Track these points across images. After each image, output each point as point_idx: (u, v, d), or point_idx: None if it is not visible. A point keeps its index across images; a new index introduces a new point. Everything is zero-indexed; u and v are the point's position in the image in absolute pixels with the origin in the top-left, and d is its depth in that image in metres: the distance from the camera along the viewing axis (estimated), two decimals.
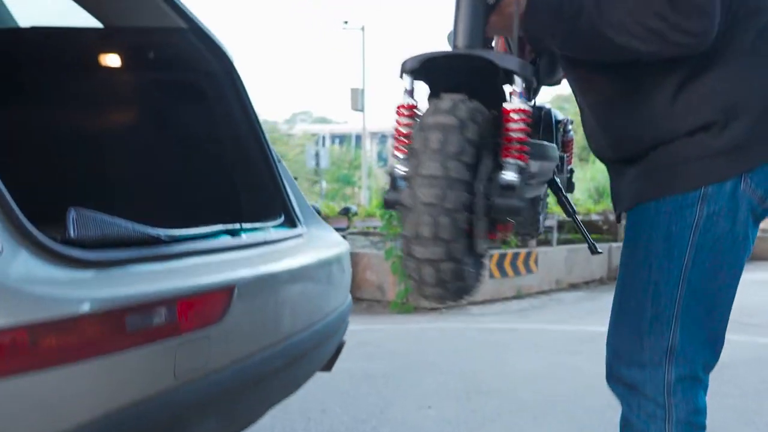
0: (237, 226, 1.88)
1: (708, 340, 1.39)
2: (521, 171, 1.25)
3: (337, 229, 7.71)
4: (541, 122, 1.92)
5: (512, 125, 1.24)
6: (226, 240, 1.68)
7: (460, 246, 1.16)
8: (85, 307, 1.07)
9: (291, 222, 2.29)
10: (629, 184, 1.44)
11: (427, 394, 3.74)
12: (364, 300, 7.18)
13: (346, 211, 7.46)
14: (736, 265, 1.38)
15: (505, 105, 1.25)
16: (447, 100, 1.21)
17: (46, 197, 2.47)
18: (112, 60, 2.42)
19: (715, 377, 1.46)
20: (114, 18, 2.40)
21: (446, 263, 1.16)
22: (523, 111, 1.25)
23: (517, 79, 1.24)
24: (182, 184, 2.43)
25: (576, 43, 1.33)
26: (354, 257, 7.19)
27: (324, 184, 26.77)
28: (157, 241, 1.38)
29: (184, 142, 2.44)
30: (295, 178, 2.68)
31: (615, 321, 1.44)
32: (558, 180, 1.80)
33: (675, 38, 1.23)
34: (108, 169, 2.44)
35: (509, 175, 1.23)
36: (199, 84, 2.34)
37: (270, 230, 2.06)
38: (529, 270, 8.10)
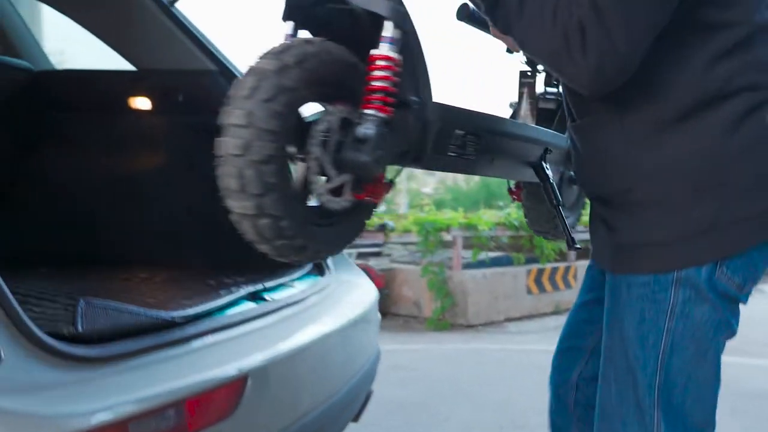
0: (260, 286, 1.84)
1: (698, 427, 1.29)
2: (383, 124, 1.16)
3: (374, 245, 7.64)
4: (560, 110, 1.83)
5: (376, 73, 1.15)
6: (245, 309, 1.64)
7: (270, 201, 1.08)
8: (86, 423, 1.02)
9: (319, 268, 2.24)
10: (602, 247, 1.36)
11: (461, 427, 3.67)
12: (401, 316, 7.12)
13: (382, 227, 7.46)
14: (721, 349, 1.29)
15: (372, 51, 1.16)
16: (283, 43, 1.14)
17: (74, 239, 2.48)
18: (143, 102, 2.40)
19: (753, 409, 1.36)
20: (146, 61, 2.40)
21: (262, 218, 1.09)
22: (389, 58, 1.15)
23: (387, 24, 1.15)
24: (210, 226, 2.40)
25: (495, 20, 1.25)
26: (391, 273, 7.16)
27: None
28: (170, 325, 1.34)
29: (213, 183, 2.41)
30: None
31: (600, 407, 1.35)
32: (546, 167, 1.71)
33: (565, 67, 1.15)
34: (135, 211, 2.42)
35: (365, 128, 1.15)
36: None
37: (295, 285, 2.01)
38: (567, 285, 7.96)
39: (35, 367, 1.05)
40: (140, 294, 1.84)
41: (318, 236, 1.19)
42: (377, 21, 1.16)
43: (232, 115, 1.08)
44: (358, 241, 6.75)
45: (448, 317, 6.81)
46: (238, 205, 1.09)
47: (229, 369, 1.31)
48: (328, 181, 1.16)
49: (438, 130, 1.31)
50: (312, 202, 1.16)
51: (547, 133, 1.72)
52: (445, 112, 1.32)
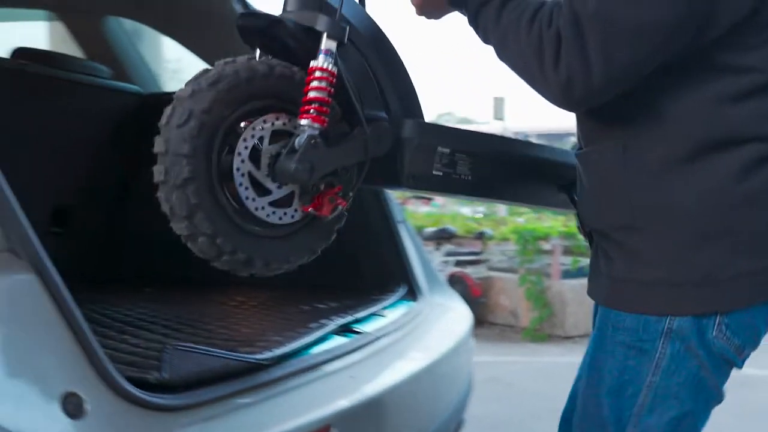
0: (350, 317, 1.81)
1: None
2: (318, 134, 1.18)
3: (472, 253, 7.53)
4: None
5: (313, 83, 1.19)
6: (334, 345, 1.60)
7: (199, 220, 1.13)
8: None
9: (412, 293, 2.20)
10: (597, 279, 1.27)
11: None
12: (497, 325, 7.03)
13: (480, 235, 7.38)
14: (702, 418, 1.18)
15: (311, 63, 1.20)
16: (204, 68, 1.17)
17: (177, 259, 2.51)
18: None
19: None
20: None
21: (199, 238, 1.15)
22: (325, 70, 1.19)
23: (323, 38, 1.20)
24: None
25: (477, 29, 1.21)
26: (488, 281, 7.06)
27: None
28: (256, 368, 1.32)
29: None
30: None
31: None
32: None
33: (535, 79, 1.10)
34: None
35: (299, 138, 1.18)
36: None
37: (386, 313, 1.97)
38: None
39: (119, 420, 1.05)
40: (235, 322, 1.84)
41: (265, 249, 1.22)
42: (318, 36, 1.21)
43: (155, 144, 1.14)
44: (456, 250, 6.64)
45: (546, 328, 6.67)
46: (176, 228, 1.16)
47: (310, 417, 1.28)
48: (268, 194, 1.20)
49: (416, 146, 1.31)
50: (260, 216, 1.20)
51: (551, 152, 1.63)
52: (423, 129, 1.33)
